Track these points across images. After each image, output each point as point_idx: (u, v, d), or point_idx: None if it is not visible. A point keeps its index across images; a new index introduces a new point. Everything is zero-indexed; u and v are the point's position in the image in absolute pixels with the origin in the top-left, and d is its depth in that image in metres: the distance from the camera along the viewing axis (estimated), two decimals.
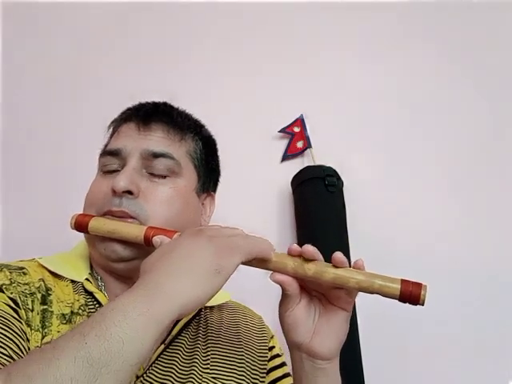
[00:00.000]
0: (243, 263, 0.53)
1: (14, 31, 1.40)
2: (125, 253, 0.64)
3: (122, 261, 0.64)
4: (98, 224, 0.64)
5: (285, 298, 0.59)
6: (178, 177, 0.69)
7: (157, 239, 0.58)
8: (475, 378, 1.07)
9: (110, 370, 0.39)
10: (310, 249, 0.55)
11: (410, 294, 0.52)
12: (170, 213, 0.66)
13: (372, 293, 0.54)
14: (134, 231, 0.62)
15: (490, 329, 1.11)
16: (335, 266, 0.55)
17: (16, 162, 1.30)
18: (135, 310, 0.43)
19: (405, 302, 0.53)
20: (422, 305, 0.52)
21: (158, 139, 0.69)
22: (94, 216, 0.65)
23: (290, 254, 0.57)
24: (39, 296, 0.60)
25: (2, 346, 0.50)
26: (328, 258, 0.57)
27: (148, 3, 1.41)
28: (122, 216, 0.64)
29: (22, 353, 0.52)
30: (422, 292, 0.52)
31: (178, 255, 0.50)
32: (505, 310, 1.12)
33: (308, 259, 0.55)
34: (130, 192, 0.65)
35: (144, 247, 0.62)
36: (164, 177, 0.68)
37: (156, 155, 0.68)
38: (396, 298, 0.53)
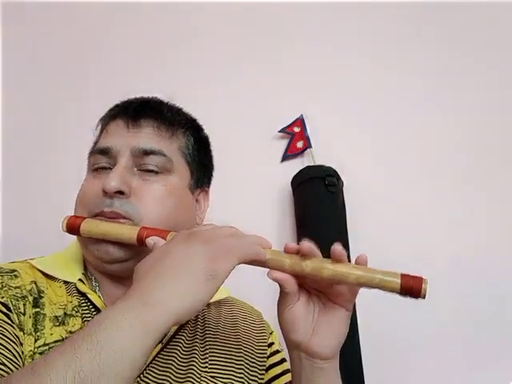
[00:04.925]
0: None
1: (14, 31, 1.40)
2: (118, 254, 0.62)
3: (115, 262, 0.63)
4: (90, 226, 0.62)
5: (283, 295, 0.58)
6: (170, 174, 0.67)
7: (150, 240, 0.57)
8: (475, 378, 1.07)
9: None
10: (306, 245, 0.54)
11: (411, 288, 0.52)
12: (164, 211, 0.65)
13: (372, 288, 0.53)
14: (127, 232, 0.60)
15: (490, 329, 1.11)
16: (334, 262, 0.54)
17: (16, 162, 1.30)
18: (127, 320, 0.42)
19: (406, 296, 0.53)
20: (423, 298, 0.52)
21: (148, 136, 0.67)
22: (85, 218, 0.64)
23: (287, 252, 0.56)
24: (31, 299, 0.58)
25: None
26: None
27: (148, 3, 1.41)
28: (115, 217, 0.62)
29: (16, 358, 0.51)
30: (423, 285, 0.52)
31: (172, 261, 0.49)
32: (505, 310, 1.12)
33: (306, 256, 0.55)
34: (121, 192, 0.63)
35: (138, 248, 0.61)
36: (156, 174, 0.66)
37: (147, 152, 0.66)
38: (397, 292, 0.53)
